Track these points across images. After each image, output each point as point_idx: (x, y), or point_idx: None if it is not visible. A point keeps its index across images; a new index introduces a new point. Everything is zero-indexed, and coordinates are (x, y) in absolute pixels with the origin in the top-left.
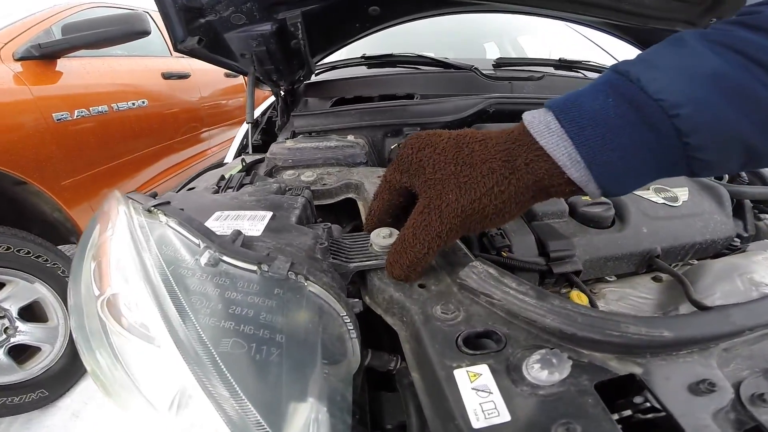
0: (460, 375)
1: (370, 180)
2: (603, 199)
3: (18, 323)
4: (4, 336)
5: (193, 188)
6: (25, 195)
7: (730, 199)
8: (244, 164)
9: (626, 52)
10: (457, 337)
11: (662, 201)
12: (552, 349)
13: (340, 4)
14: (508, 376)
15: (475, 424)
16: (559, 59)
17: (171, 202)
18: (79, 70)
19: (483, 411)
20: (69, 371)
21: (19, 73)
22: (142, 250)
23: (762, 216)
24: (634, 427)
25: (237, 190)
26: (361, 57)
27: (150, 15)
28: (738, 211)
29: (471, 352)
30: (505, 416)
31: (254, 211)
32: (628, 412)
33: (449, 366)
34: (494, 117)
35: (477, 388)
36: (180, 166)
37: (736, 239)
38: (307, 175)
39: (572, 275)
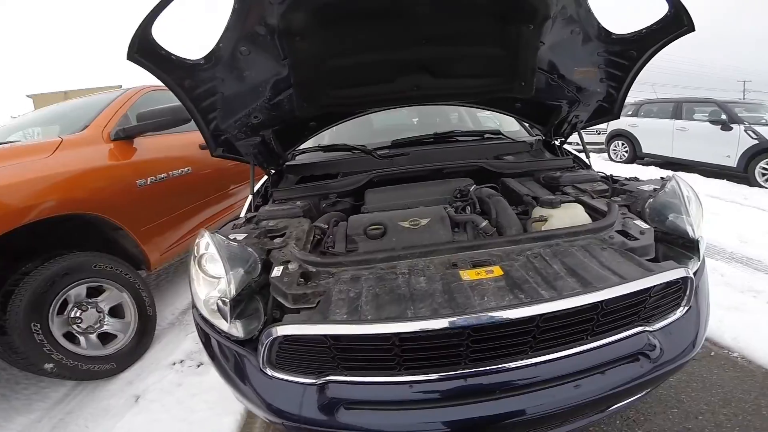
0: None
1: (293, 224)
2: (376, 227)
3: (107, 318)
4: (99, 325)
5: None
6: (117, 237)
7: (450, 223)
8: (246, 217)
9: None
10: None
11: (408, 226)
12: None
13: (293, 124)
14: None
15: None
16: (434, 133)
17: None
18: (147, 147)
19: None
20: (132, 353)
21: (114, 149)
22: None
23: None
24: None
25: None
26: (318, 146)
27: None
28: None
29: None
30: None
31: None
32: None
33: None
34: (378, 183)
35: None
36: (216, 216)
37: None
38: (271, 224)
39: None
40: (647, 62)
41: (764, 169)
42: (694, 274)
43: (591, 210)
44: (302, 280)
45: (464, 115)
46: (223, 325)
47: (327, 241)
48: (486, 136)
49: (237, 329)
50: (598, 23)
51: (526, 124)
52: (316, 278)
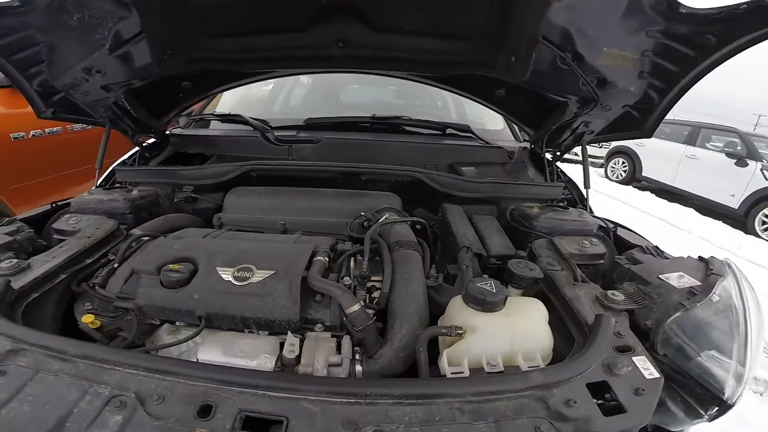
0: None
1: (88, 227)
2: (179, 267)
3: None
4: None
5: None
6: None
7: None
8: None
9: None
10: None
11: (229, 278)
12: None
13: (158, 84)
14: None
15: None
16: (372, 116)
17: None
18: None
19: None
20: None
21: None
22: None
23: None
24: None
25: None
26: (212, 113)
27: None
28: None
29: None
30: None
31: None
32: None
33: None
34: (258, 180)
35: None
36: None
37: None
38: (71, 222)
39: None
40: (727, 59)
41: (766, 217)
42: None
43: (564, 312)
44: None
45: (448, 102)
46: None
47: (99, 274)
48: (448, 131)
49: None
50: None
51: (516, 125)
52: None
